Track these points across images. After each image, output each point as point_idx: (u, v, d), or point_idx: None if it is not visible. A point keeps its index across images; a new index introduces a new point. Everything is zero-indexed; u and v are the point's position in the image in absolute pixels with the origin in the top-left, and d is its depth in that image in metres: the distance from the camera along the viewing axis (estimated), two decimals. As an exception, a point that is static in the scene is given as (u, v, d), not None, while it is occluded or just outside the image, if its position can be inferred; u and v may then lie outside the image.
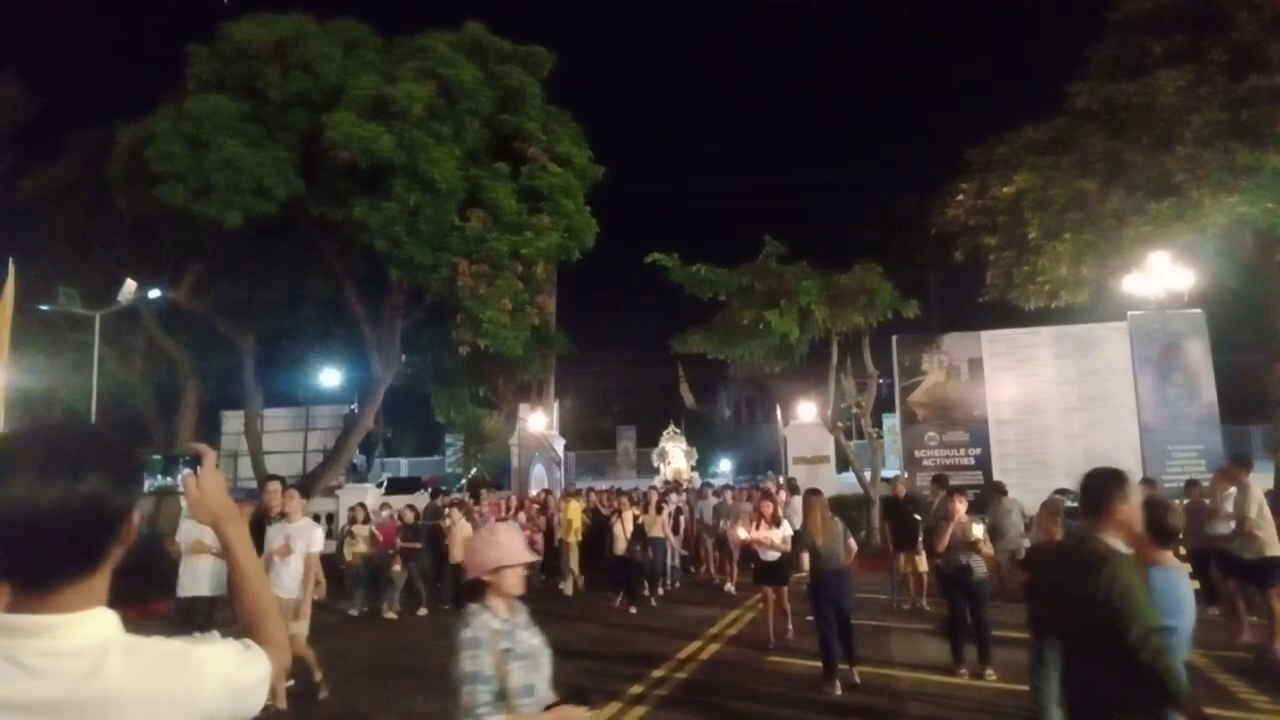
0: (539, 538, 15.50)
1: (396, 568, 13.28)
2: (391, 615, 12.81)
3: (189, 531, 7.73)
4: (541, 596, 14.08)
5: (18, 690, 1.20)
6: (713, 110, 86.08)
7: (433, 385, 27.10)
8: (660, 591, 14.04)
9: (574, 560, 14.94)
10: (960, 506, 8.35)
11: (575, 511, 15.21)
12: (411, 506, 14.95)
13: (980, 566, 8.10)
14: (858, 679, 7.97)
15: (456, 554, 13.12)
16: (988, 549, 7.98)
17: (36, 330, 18.48)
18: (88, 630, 1.27)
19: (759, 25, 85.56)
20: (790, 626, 10.16)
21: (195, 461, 1.62)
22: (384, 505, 15.08)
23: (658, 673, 8.78)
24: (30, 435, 1.32)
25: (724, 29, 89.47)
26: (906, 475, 16.75)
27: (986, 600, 8.18)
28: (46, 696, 1.21)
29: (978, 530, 7.94)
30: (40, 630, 1.24)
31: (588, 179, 20.42)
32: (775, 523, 10.26)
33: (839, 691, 7.69)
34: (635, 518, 13.71)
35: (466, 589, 3.10)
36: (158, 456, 23.43)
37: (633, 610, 12.60)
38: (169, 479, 21.35)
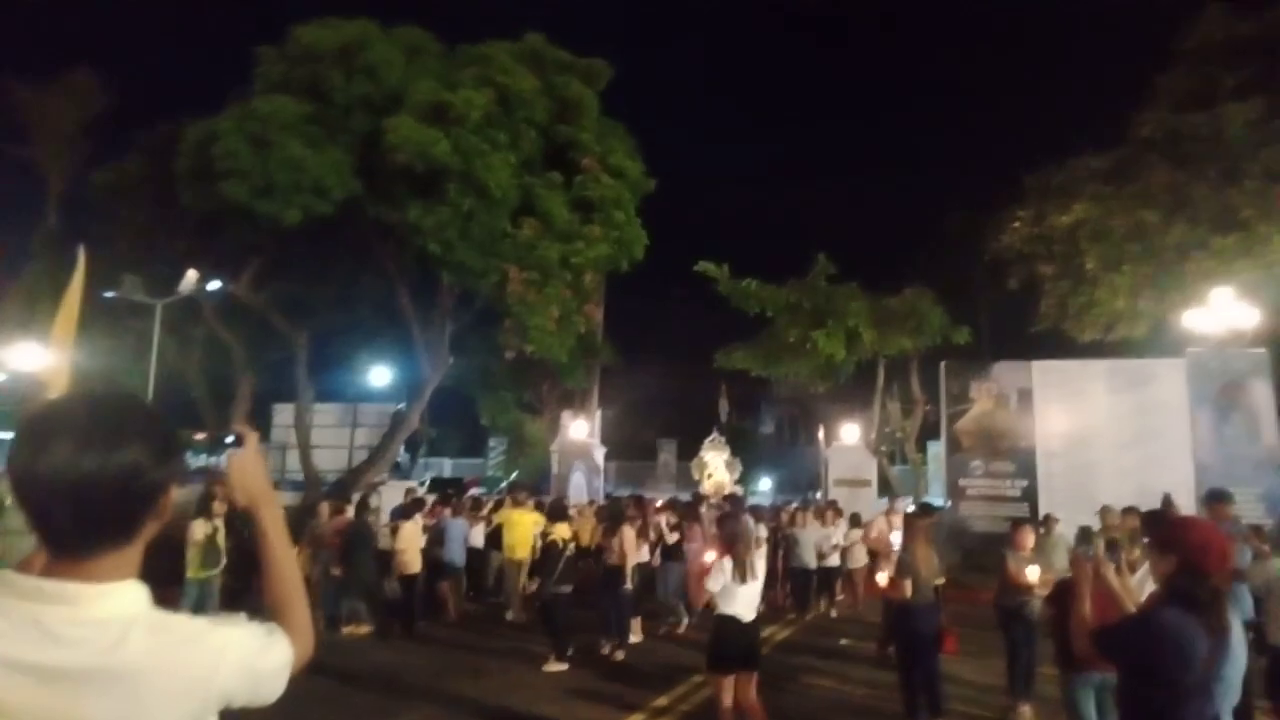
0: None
1: (336, 571, 11.00)
2: (363, 631, 10.85)
3: None
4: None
5: (41, 656, 1.22)
6: (764, 125, 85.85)
7: (478, 388, 27.37)
8: (630, 640, 10.48)
9: (523, 582, 11.80)
10: (1020, 537, 8.05)
11: (522, 523, 12.26)
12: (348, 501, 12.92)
13: (1038, 603, 7.86)
14: None
15: (411, 563, 11.43)
16: (1043, 591, 7.74)
17: (99, 316, 19.04)
18: (116, 602, 1.29)
19: (814, 41, 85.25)
20: None
21: (238, 442, 1.62)
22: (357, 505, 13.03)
23: (681, 689, 8.69)
24: (73, 403, 1.34)
25: (778, 45, 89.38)
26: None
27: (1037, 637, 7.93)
28: (68, 664, 1.22)
29: (1032, 573, 7.64)
30: (71, 598, 1.26)
31: (639, 191, 20.53)
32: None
33: None
34: (572, 536, 10.42)
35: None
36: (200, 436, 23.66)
37: (548, 668, 9.24)
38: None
